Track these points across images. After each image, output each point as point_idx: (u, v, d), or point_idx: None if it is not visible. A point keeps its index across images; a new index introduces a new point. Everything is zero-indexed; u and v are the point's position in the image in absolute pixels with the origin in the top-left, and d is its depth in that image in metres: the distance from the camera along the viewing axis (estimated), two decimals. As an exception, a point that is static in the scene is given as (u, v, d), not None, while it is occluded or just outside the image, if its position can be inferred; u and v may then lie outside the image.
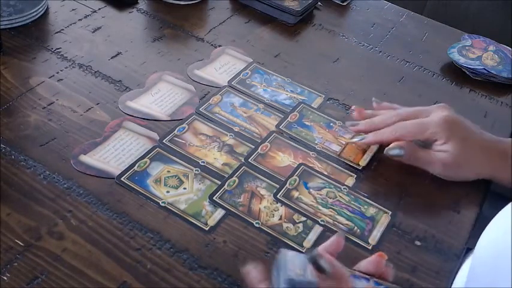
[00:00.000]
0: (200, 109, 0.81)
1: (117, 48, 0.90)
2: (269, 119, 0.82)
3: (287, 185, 0.72)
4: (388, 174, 0.77)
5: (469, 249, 0.69)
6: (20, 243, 0.61)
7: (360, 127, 0.78)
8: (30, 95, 0.79)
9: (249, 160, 0.75)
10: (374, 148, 0.80)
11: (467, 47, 1.01)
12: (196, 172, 0.72)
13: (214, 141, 0.77)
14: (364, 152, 0.79)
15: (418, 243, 0.68)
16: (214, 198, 0.69)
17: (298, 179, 0.73)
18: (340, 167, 0.77)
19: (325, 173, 0.75)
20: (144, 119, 0.79)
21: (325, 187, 0.73)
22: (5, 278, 0.57)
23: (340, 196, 0.72)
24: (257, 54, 0.95)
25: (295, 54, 0.97)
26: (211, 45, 0.95)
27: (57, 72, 0.83)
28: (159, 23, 0.98)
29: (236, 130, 0.79)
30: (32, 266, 0.59)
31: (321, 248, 0.55)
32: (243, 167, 0.74)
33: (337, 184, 0.74)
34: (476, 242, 0.60)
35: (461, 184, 0.75)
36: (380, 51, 1.01)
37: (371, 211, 0.71)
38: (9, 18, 0.88)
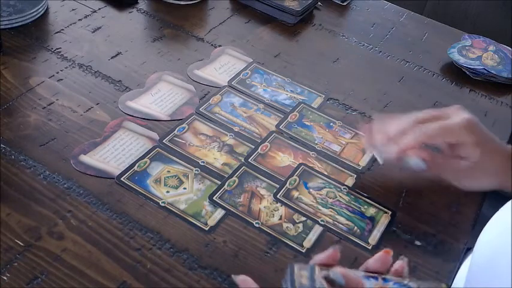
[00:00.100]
0: (200, 109, 0.81)
1: (117, 48, 0.90)
2: (269, 119, 0.82)
3: (287, 185, 0.72)
4: (388, 174, 0.77)
5: (469, 249, 0.69)
6: (20, 243, 0.61)
7: (377, 143, 0.69)
8: (30, 95, 0.79)
9: (249, 160, 0.75)
10: (374, 148, 0.80)
11: (467, 47, 1.01)
12: (196, 172, 0.72)
13: (214, 141, 0.77)
14: (364, 152, 0.79)
15: (418, 243, 0.68)
16: (214, 198, 0.69)
17: (298, 179, 0.73)
18: (340, 167, 0.76)
19: (325, 173, 0.75)
20: (144, 119, 0.79)
21: (325, 187, 0.73)
22: (5, 278, 0.57)
23: (340, 196, 0.72)
24: (257, 54, 0.95)
25: (295, 54, 0.97)
26: (211, 45, 0.95)
27: (57, 72, 0.83)
28: (159, 23, 0.98)
29: (236, 130, 0.79)
30: (32, 266, 0.59)
31: (315, 260, 0.53)
32: (243, 167, 0.74)
33: (337, 184, 0.74)
34: (476, 242, 0.60)
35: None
36: (380, 51, 1.01)
37: (371, 211, 0.71)
38: (9, 18, 0.89)
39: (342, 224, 0.69)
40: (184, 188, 0.70)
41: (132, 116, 0.79)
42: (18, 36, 0.89)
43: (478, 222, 0.72)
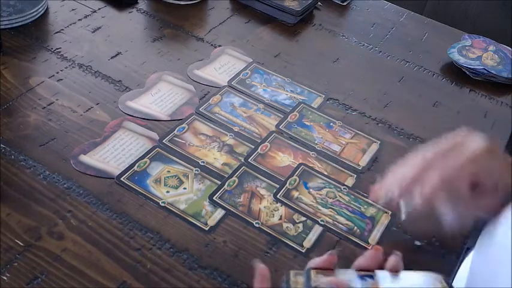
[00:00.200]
0: (200, 109, 0.81)
1: (117, 48, 0.90)
2: (269, 119, 0.82)
3: (287, 185, 0.72)
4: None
5: (468, 249, 0.69)
6: (20, 243, 0.61)
7: (396, 196, 0.58)
8: (30, 95, 0.79)
9: (249, 160, 0.75)
10: (374, 148, 0.80)
11: (467, 47, 1.01)
12: (196, 172, 0.72)
13: (214, 141, 0.77)
14: (364, 152, 0.79)
15: (418, 243, 0.68)
16: (214, 198, 0.69)
17: (298, 179, 0.73)
18: (340, 167, 0.76)
19: (325, 173, 0.75)
20: (144, 119, 0.79)
21: (325, 187, 0.73)
22: (5, 278, 0.57)
23: (340, 196, 0.72)
24: (257, 54, 0.95)
25: (295, 54, 0.97)
26: (211, 45, 0.95)
27: (57, 72, 0.83)
28: (159, 23, 0.98)
29: (236, 130, 0.79)
30: (32, 266, 0.59)
31: (311, 264, 0.52)
32: (243, 167, 0.74)
33: (337, 184, 0.74)
34: (476, 242, 0.60)
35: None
36: (380, 51, 1.01)
37: (371, 211, 0.71)
38: (9, 18, 0.88)
39: (342, 224, 0.69)
40: (184, 188, 0.70)
41: (132, 116, 0.79)
42: (18, 36, 0.89)
43: (478, 222, 0.72)
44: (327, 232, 0.68)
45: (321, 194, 0.72)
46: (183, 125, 0.78)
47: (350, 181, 0.75)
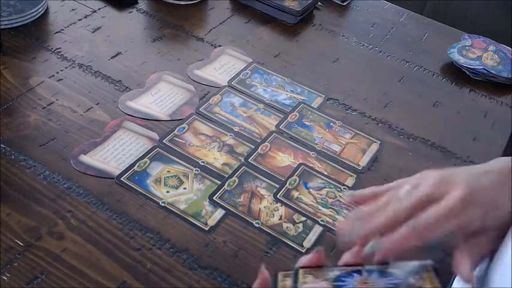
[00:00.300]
0: (200, 109, 0.81)
1: (117, 48, 0.90)
2: (269, 119, 0.82)
3: (287, 185, 0.72)
4: (388, 174, 0.77)
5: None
6: (20, 243, 0.61)
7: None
8: (30, 95, 0.79)
9: (249, 160, 0.75)
10: (374, 148, 0.80)
11: (467, 47, 1.01)
12: (196, 172, 0.72)
13: (214, 141, 0.77)
14: (364, 152, 0.79)
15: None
16: (214, 198, 0.69)
17: (298, 179, 0.73)
18: (340, 167, 0.76)
19: (325, 173, 0.75)
20: (144, 119, 0.79)
21: (325, 187, 0.73)
22: (5, 278, 0.57)
23: (340, 196, 0.72)
24: (257, 54, 0.95)
25: (295, 54, 0.97)
26: (211, 45, 0.95)
27: (57, 72, 0.83)
28: (159, 23, 0.98)
29: (236, 130, 0.79)
30: (32, 266, 0.59)
31: (300, 263, 0.51)
32: (243, 167, 0.74)
33: (337, 184, 0.74)
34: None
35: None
36: (380, 51, 1.01)
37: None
38: (9, 18, 0.89)
39: (342, 224, 0.68)
40: (184, 188, 0.70)
41: (132, 116, 0.79)
42: (18, 36, 0.89)
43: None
44: (327, 232, 0.68)
45: (321, 194, 0.72)
46: (183, 125, 0.78)
47: (350, 181, 0.75)
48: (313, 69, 0.94)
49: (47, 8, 0.95)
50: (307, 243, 0.66)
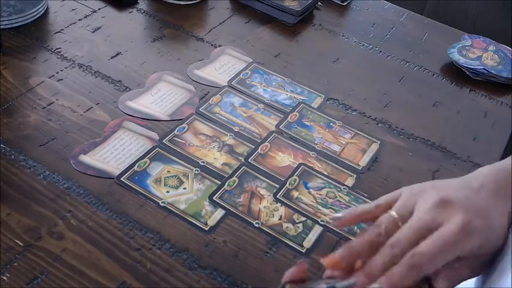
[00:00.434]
0: (200, 109, 0.81)
1: (117, 48, 0.90)
2: (269, 119, 0.82)
3: (287, 185, 0.72)
4: (388, 174, 0.77)
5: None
6: (20, 243, 0.61)
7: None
8: (30, 95, 0.79)
9: (249, 160, 0.75)
10: (374, 148, 0.80)
11: (467, 47, 1.01)
12: (196, 172, 0.72)
13: (214, 141, 0.77)
14: (364, 152, 0.79)
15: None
16: (214, 198, 0.69)
17: (298, 179, 0.73)
18: (340, 167, 0.76)
19: (325, 173, 0.75)
20: (144, 119, 0.79)
21: (325, 187, 0.73)
22: (5, 278, 0.57)
23: (340, 196, 0.72)
24: (257, 54, 0.95)
25: (295, 54, 0.97)
26: (211, 45, 0.95)
27: (57, 72, 0.83)
28: (159, 23, 0.98)
29: (236, 130, 0.79)
30: (32, 266, 0.59)
31: (285, 277, 0.50)
32: (243, 167, 0.74)
33: (337, 184, 0.74)
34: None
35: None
36: (380, 51, 1.01)
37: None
38: (9, 18, 0.88)
39: (342, 224, 0.68)
40: (184, 188, 0.70)
41: (132, 116, 0.79)
42: (18, 36, 0.89)
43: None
44: (327, 232, 0.68)
45: (321, 194, 0.72)
46: (183, 125, 0.78)
47: (350, 181, 0.75)
48: (313, 69, 0.94)
49: (47, 8, 0.95)
50: (307, 243, 0.66)
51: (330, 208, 0.70)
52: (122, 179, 0.69)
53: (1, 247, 0.60)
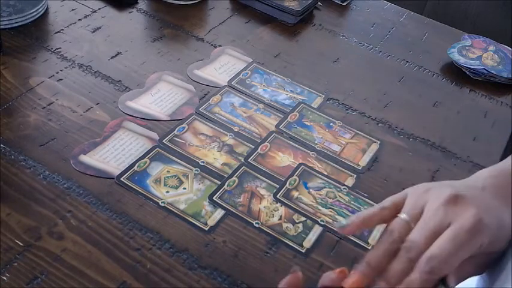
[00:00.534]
0: (200, 109, 0.81)
1: (117, 48, 0.90)
2: (269, 119, 0.82)
3: (287, 185, 0.72)
4: (387, 174, 0.77)
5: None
6: (20, 243, 0.61)
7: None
8: (30, 95, 0.79)
9: (249, 160, 0.75)
10: (374, 148, 0.80)
11: (467, 47, 1.01)
12: (196, 172, 0.72)
13: (214, 141, 0.77)
14: (364, 152, 0.79)
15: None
16: (214, 198, 0.69)
17: (298, 179, 0.73)
18: (340, 167, 0.76)
19: (325, 173, 0.75)
20: (144, 119, 0.79)
21: (325, 187, 0.73)
22: (5, 278, 0.57)
23: (340, 196, 0.72)
24: (257, 54, 0.95)
25: (295, 54, 0.97)
26: (211, 45, 0.95)
27: (57, 72, 0.83)
28: (159, 23, 0.98)
29: (236, 130, 0.79)
30: (32, 266, 0.59)
31: (282, 286, 0.50)
32: (243, 167, 0.74)
33: (337, 184, 0.74)
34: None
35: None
36: (380, 51, 1.01)
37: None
38: (9, 18, 0.88)
39: (342, 224, 0.68)
40: (184, 188, 0.70)
41: (132, 116, 0.79)
42: (18, 36, 0.89)
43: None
44: (327, 232, 0.68)
45: (320, 194, 0.72)
46: (183, 125, 0.78)
47: (350, 181, 0.75)
48: (313, 69, 0.94)
49: (47, 8, 0.95)
50: (307, 243, 0.66)
51: (330, 208, 0.70)
52: (121, 179, 0.69)
53: (1, 247, 0.60)
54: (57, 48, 0.88)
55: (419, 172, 0.77)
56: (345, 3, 1.11)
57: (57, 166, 0.70)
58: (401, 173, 0.77)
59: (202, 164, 0.73)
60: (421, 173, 0.77)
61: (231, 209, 0.68)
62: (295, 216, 0.69)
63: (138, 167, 0.71)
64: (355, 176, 0.76)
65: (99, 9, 0.98)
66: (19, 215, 0.63)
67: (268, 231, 0.66)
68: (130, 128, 0.77)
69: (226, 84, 0.87)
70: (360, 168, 0.77)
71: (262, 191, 0.71)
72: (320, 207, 0.70)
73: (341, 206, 0.71)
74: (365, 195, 0.73)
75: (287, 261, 0.64)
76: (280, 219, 0.68)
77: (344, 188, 0.73)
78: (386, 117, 0.86)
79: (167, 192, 0.69)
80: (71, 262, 0.60)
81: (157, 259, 0.62)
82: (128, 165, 0.71)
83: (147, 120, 0.78)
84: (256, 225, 0.67)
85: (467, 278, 0.51)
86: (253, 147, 0.77)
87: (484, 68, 0.96)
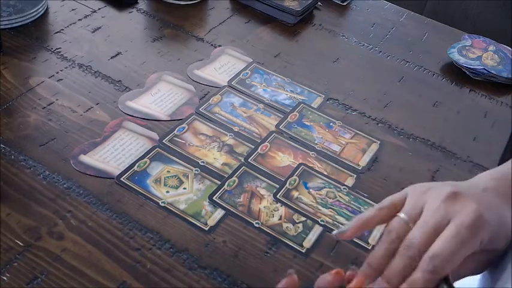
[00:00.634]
0: (200, 109, 0.81)
1: (117, 48, 0.90)
2: (269, 119, 0.82)
3: (287, 185, 0.72)
4: (387, 174, 0.77)
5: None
6: (20, 243, 0.61)
7: None
8: (30, 95, 0.79)
9: (249, 160, 0.75)
10: (374, 148, 0.80)
11: (467, 47, 1.01)
12: (196, 172, 0.72)
13: (214, 141, 0.77)
14: (364, 152, 0.79)
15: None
16: (214, 198, 0.69)
17: (298, 179, 0.73)
18: (340, 167, 0.76)
19: (325, 173, 0.75)
20: (144, 119, 0.79)
21: (325, 187, 0.73)
22: (5, 278, 0.57)
23: (340, 196, 0.72)
24: (257, 54, 0.95)
25: (295, 54, 0.97)
26: (211, 45, 0.95)
27: (57, 72, 0.83)
28: (159, 23, 0.98)
29: (236, 130, 0.79)
30: (32, 266, 0.59)
31: None
32: (243, 167, 0.74)
33: (337, 184, 0.74)
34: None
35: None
36: (380, 51, 1.01)
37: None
38: (9, 18, 0.88)
39: (342, 224, 0.69)
40: (184, 188, 0.70)
41: (132, 116, 0.79)
42: (18, 36, 0.89)
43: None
44: (327, 232, 0.68)
45: (320, 194, 0.72)
46: (183, 125, 0.78)
47: (350, 181, 0.75)
48: (313, 69, 0.94)
49: (47, 8, 0.95)
50: (307, 243, 0.66)
51: (330, 208, 0.70)
52: (121, 179, 0.69)
53: (1, 247, 0.60)
54: (57, 48, 0.88)
55: (419, 172, 0.77)
56: (345, 3, 1.11)
57: (57, 166, 0.70)
58: (401, 173, 0.77)
59: (202, 164, 0.73)
60: (421, 173, 0.77)
61: (231, 209, 0.68)
62: (295, 216, 0.69)
63: (138, 167, 0.71)
64: (355, 176, 0.76)
65: (99, 9, 0.98)
66: (19, 215, 0.63)
67: (268, 231, 0.66)
68: (131, 128, 0.77)
69: (226, 84, 0.87)
70: (360, 168, 0.77)
71: (262, 191, 0.71)
72: (320, 207, 0.70)
73: (341, 206, 0.71)
74: (365, 195, 0.73)
75: (287, 261, 0.64)
76: (280, 219, 0.68)
77: (344, 188, 0.73)
78: (386, 117, 0.86)
79: (167, 192, 0.69)
80: (71, 262, 0.60)
81: (157, 259, 0.62)
82: (128, 165, 0.71)
83: (147, 120, 0.78)
84: (256, 225, 0.67)
85: (467, 276, 0.51)
86: (253, 147, 0.77)
87: (484, 68, 0.96)
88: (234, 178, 0.72)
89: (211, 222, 0.66)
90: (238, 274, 0.62)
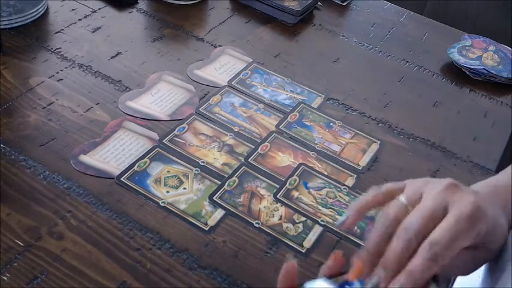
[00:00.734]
0: (200, 109, 0.81)
1: (117, 48, 0.90)
2: (269, 119, 0.82)
3: (287, 185, 0.72)
4: (388, 174, 0.77)
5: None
6: (20, 243, 0.61)
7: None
8: (30, 95, 0.79)
9: (249, 160, 0.75)
10: (374, 148, 0.80)
11: (467, 47, 1.01)
12: (196, 172, 0.72)
13: (214, 141, 0.77)
14: (364, 152, 0.79)
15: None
16: (214, 198, 0.69)
17: (298, 179, 0.73)
18: (340, 167, 0.76)
19: (325, 173, 0.75)
20: (144, 119, 0.79)
21: (325, 187, 0.73)
22: (5, 278, 0.57)
23: (340, 196, 0.72)
24: (257, 54, 0.95)
25: (295, 54, 0.97)
26: (211, 45, 0.95)
27: (57, 72, 0.83)
28: (159, 23, 0.98)
29: (236, 130, 0.79)
30: (32, 266, 0.59)
31: (280, 279, 0.48)
32: (243, 167, 0.74)
33: (337, 184, 0.74)
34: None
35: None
36: (380, 51, 1.01)
37: (371, 211, 0.71)
38: (9, 18, 0.88)
39: (342, 224, 0.68)
40: (184, 188, 0.70)
41: (132, 116, 0.79)
42: (18, 36, 0.89)
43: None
44: (327, 232, 0.68)
45: (321, 194, 0.72)
46: (183, 125, 0.78)
47: (350, 181, 0.75)
48: (313, 69, 0.94)
49: (47, 8, 0.95)
50: (307, 243, 0.66)
51: (330, 208, 0.70)
52: (122, 179, 0.69)
53: (1, 247, 0.60)
54: (57, 48, 0.88)
55: (419, 172, 0.77)
56: (345, 3, 1.11)
57: (57, 166, 0.70)
58: (401, 173, 0.77)
59: (202, 164, 0.73)
60: (421, 173, 0.77)
61: (231, 209, 0.68)
62: (295, 216, 0.69)
63: (138, 167, 0.71)
64: (355, 176, 0.76)
65: (99, 9, 0.98)
66: (19, 215, 0.63)
67: (268, 231, 0.66)
68: (131, 128, 0.77)
69: (226, 84, 0.87)
70: (360, 168, 0.77)
71: (263, 191, 0.71)
72: (320, 207, 0.70)
73: (341, 206, 0.71)
74: (365, 195, 0.73)
75: (287, 261, 0.64)
76: (280, 219, 0.68)
77: (344, 188, 0.73)
78: (386, 117, 0.86)
79: (167, 192, 0.69)
80: (71, 262, 0.60)
81: (157, 259, 0.62)
82: (128, 165, 0.71)
83: (147, 120, 0.78)
84: (257, 225, 0.67)
85: (456, 276, 0.51)
86: (253, 147, 0.77)
87: (484, 68, 0.96)
88: (234, 178, 0.72)
89: (212, 222, 0.66)
90: (238, 274, 0.62)
